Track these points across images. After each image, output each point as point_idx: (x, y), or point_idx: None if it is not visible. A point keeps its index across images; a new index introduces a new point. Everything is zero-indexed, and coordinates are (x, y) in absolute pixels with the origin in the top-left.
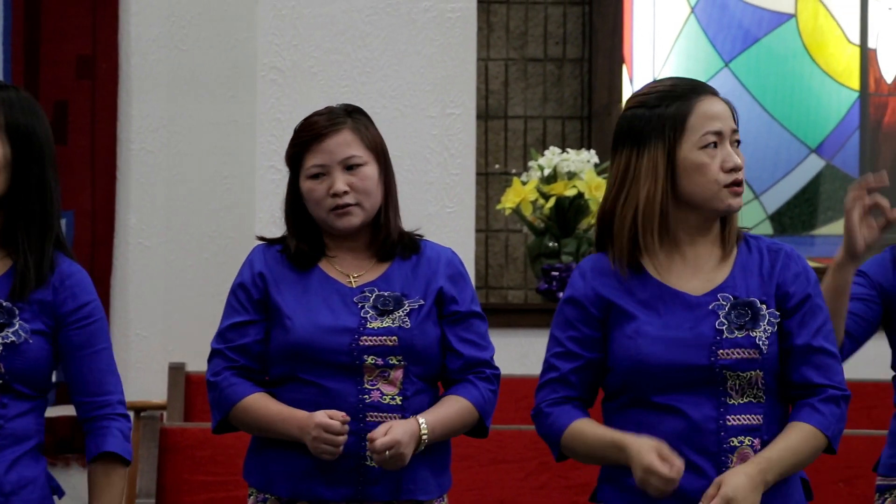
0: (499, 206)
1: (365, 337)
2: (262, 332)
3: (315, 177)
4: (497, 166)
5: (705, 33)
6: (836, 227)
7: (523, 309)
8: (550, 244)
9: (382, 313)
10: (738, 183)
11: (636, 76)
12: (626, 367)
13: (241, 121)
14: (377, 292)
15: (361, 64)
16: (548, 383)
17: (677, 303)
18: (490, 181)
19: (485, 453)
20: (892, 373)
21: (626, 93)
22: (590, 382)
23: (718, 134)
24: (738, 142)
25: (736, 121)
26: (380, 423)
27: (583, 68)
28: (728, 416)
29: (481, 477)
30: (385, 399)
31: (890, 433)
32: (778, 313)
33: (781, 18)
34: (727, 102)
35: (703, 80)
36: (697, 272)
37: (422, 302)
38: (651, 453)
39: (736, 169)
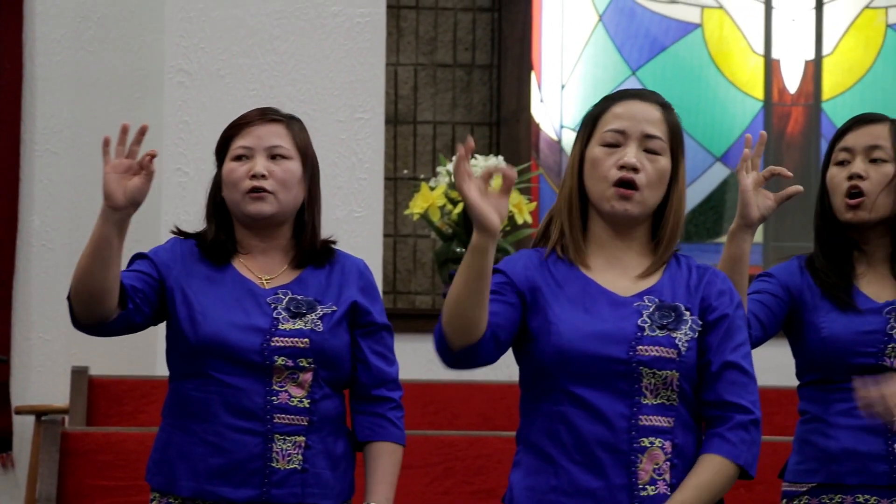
0: (407, 212)
1: (277, 338)
2: (146, 283)
3: (238, 158)
4: (405, 171)
5: (613, 41)
6: None
7: (431, 314)
8: (458, 249)
9: (295, 315)
10: (624, 182)
11: (545, 83)
12: (545, 352)
13: (147, 123)
14: (290, 295)
15: (270, 67)
16: None
17: (603, 300)
18: (399, 186)
19: None
20: (796, 380)
21: (535, 99)
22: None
23: (622, 133)
24: (657, 152)
25: (669, 132)
26: (287, 425)
27: (492, 74)
28: (640, 416)
29: None
30: (293, 401)
31: (796, 439)
32: (701, 322)
33: (688, 28)
34: (666, 113)
35: (610, 89)
36: (625, 275)
37: (334, 308)
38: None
39: (627, 167)
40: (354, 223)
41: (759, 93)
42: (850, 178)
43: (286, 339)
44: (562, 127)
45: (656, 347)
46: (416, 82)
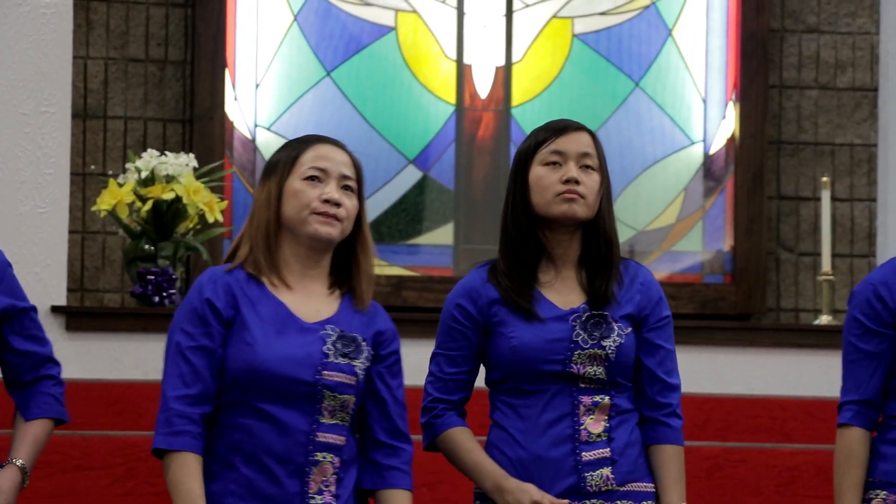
0: (94, 208)
1: None
2: None
3: None
4: (94, 167)
5: (308, 41)
6: (434, 237)
7: (119, 313)
8: (147, 247)
9: None
10: (327, 214)
11: (239, 81)
12: (239, 370)
13: None
14: None
15: None
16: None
17: (292, 324)
18: (87, 182)
19: (70, 459)
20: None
21: (229, 97)
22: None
23: (324, 171)
24: (349, 188)
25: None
26: None
27: (185, 71)
28: (318, 433)
29: (65, 484)
30: None
31: (488, 445)
32: (373, 352)
33: (382, 31)
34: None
35: (304, 89)
36: (309, 301)
37: None
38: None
39: (330, 201)
40: (38, 219)
41: (451, 97)
42: (567, 181)
43: None
44: (256, 126)
45: (339, 374)
46: (107, 76)
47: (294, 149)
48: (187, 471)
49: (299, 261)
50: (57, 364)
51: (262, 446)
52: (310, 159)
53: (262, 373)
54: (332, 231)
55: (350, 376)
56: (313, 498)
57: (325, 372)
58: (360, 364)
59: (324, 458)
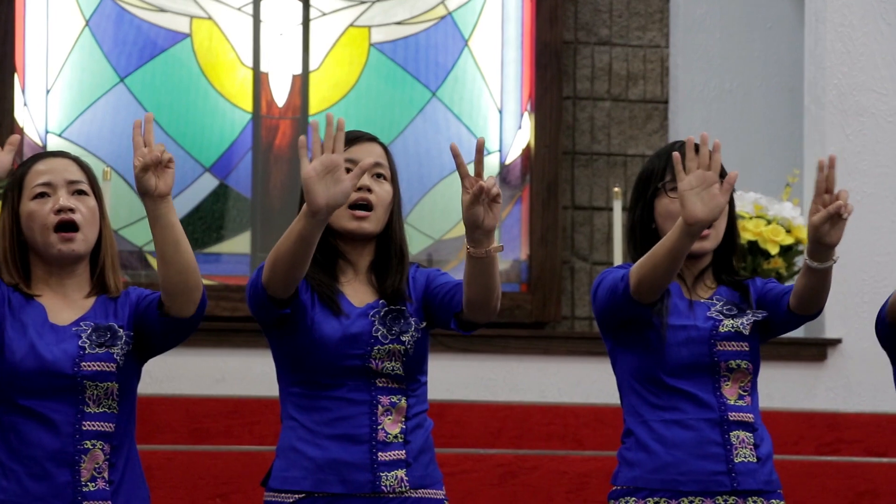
0: None
1: None
2: None
3: None
4: None
5: (100, 47)
6: (231, 246)
7: None
8: None
9: None
10: (64, 224)
11: (29, 87)
12: None
13: None
14: None
15: None
16: None
17: (48, 328)
18: None
19: None
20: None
21: (18, 103)
22: None
23: (49, 184)
24: (81, 191)
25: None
26: None
27: None
28: (84, 422)
29: None
30: None
31: (281, 447)
32: (132, 334)
33: (177, 37)
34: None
35: (97, 95)
36: (66, 309)
37: None
38: None
39: (64, 209)
40: None
41: (247, 105)
42: (359, 189)
43: None
44: (47, 132)
45: (97, 363)
46: None
47: (18, 172)
48: None
49: (53, 275)
50: None
51: (30, 441)
52: (33, 177)
53: (21, 372)
54: (75, 247)
55: (110, 364)
56: (86, 486)
57: (84, 363)
58: (118, 350)
59: (93, 445)
